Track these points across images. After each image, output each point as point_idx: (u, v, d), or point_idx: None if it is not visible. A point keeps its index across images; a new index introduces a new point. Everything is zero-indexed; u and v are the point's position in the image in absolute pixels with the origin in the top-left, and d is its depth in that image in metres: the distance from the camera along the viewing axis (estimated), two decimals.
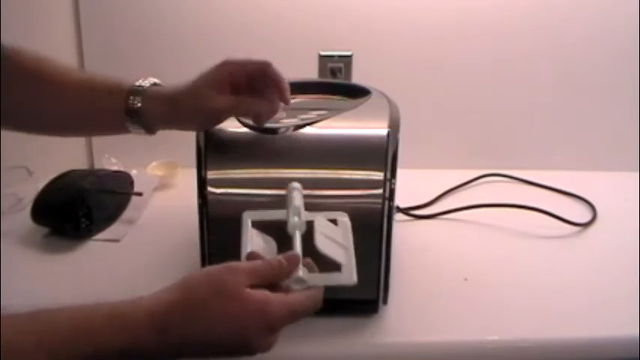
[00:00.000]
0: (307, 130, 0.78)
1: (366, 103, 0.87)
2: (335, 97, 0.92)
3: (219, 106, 0.71)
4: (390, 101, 0.87)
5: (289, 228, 0.65)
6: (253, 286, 0.57)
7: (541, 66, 1.23)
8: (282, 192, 0.70)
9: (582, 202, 1.16)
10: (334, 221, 0.69)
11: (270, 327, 0.57)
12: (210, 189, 0.76)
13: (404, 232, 1.02)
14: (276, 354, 0.59)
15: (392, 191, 0.78)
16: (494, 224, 1.06)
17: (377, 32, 1.20)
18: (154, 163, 1.21)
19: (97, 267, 0.93)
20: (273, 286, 0.58)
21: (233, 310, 0.55)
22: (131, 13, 1.17)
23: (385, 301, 0.83)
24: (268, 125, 0.76)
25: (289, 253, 0.61)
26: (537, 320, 0.83)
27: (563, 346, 0.81)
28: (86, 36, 1.19)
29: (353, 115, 0.83)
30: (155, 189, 1.15)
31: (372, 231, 0.77)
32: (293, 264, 0.60)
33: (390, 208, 0.78)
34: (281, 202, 0.69)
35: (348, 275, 0.63)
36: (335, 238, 0.67)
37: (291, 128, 0.77)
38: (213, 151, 0.76)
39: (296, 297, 0.59)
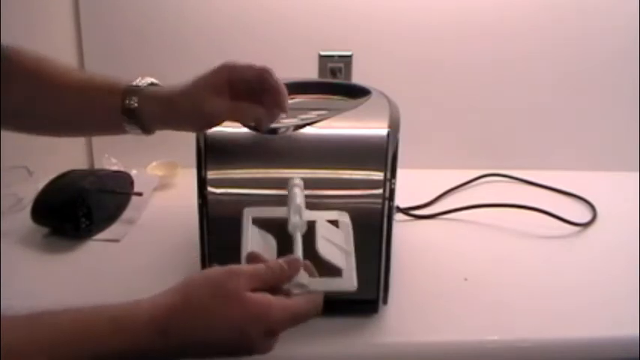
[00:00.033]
0: (307, 130, 0.78)
1: (366, 103, 0.87)
2: (335, 97, 0.92)
3: (215, 109, 0.71)
4: (390, 101, 0.87)
5: (290, 227, 0.66)
6: (254, 290, 0.57)
7: (541, 66, 1.23)
8: (282, 192, 0.70)
9: (582, 202, 1.16)
10: (335, 222, 0.69)
11: (270, 330, 0.57)
12: (210, 189, 0.76)
13: (404, 232, 1.02)
14: (277, 354, 0.59)
15: (392, 191, 0.78)
16: (494, 224, 1.06)
17: (377, 32, 1.20)
18: (154, 163, 1.21)
19: (97, 267, 0.93)
20: (274, 289, 0.59)
21: (234, 313, 0.56)
22: (131, 13, 1.17)
23: (385, 301, 0.83)
24: None
25: (290, 257, 0.61)
26: (537, 320, 0.83)
27: (563, 346, 0.81)
28: (86, 36, 1.19)
29: (353, 115, 0.83)
30: (155, 189, 1.15)
31: (372, 231, 0.77)
32: (294, 268, 0.60)
33: (390, 208, 0.78)
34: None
35: (349, 281, 0.64)
36: (336, 241, 0.67)
37: (291, 128, 0.77)
38: (213, 151, 0.76)
39: (297, 301, 0.59)
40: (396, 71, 1.21)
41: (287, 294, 0.59)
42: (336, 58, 1.21)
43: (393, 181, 0.78)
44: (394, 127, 0.80)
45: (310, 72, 1.21)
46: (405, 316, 0.83)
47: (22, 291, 0.85)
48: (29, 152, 1.05)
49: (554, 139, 1.29)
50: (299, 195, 0.69)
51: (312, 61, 1.21)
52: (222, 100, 0.71)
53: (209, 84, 0.71)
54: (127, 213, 1.07)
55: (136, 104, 0.72)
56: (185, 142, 0.79)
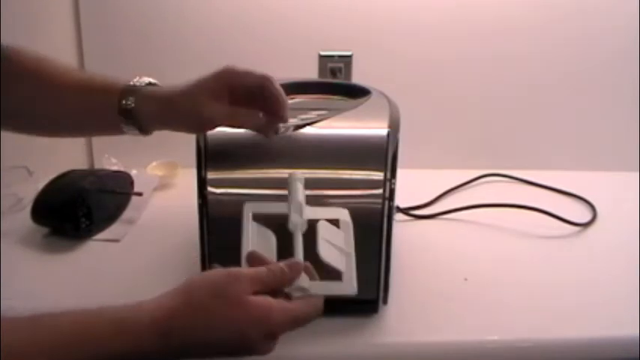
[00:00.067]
0: (307, 130, 0.78)
1: (366, 103, 0.87)
2: (335, 97, 0.92)
3: (214, 113, 0.71)
4: (390, 101, 0.87)
5: (290, 226, 0.66)
6: (255, 293, 0.57)
7: (541, 66, 1.23)
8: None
9: (582, 202, 1.16)
10: (336, 221, 0.69)
11: (271, 333, 0.58)
12: (210, 189, 0.76)
13: (404, 232, 1.02)
14: (277, 354, 0.59)
15: (392, 191, 0.78)
16: (494, 224, 1.06)
17: (377, 32, 1.20)
18: (154, 163, 1.21)
19: (97, 267, 0.93)
20: (275, 292, 0.59)
21: (235, 316, 0.56)
22: (131, 12, 1.17)
23: (385, 301, 0.83)
24: None
25: (291, 260, 0.62)
26: (537, 320, 0.83)
27: (563, 346, 0.81)
28: (86, 36, 1.19)
29: (353, 115, 0.83)
30: (155, 189, 1.15)
31: (372, 231, 0.77)
32: (295, 272, 0.61)
33: (390, 208, 0.78)
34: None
35: (349, 285, 0.64)
36: (337, 242, 0.67)
37: (291, 128, 0.77)
38: (213, 151, 0.76)
39: (297, 305, 0.60)
40: (396, 71, 1.21)
41: (288, 297, 0.60)
42: (336, 58, 1.21)
43: (393, 181, 0.78)
44: (394, 127, 0.80)
45: (310, 72, 1.21)
46: (405, 316, 0.83)
47: (22, 291, 0.85)
48: (29, 152, 1.05)
49: (554, 139, 1.29)
50: (300, 191, 0.69)
51: (312, 61, 1.21)
52: (221, 104, 0.70)
53: (209, 87, 0.71)
54: (127, 213, 1.07)
55: (132, 104, 0.72)
56: (185, 142, 0.79)
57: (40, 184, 1.02)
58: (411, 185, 0.96)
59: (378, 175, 0.76)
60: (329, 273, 0.65)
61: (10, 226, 1.00)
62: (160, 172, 1.19)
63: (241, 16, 1.17)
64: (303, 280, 0.61)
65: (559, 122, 1.28)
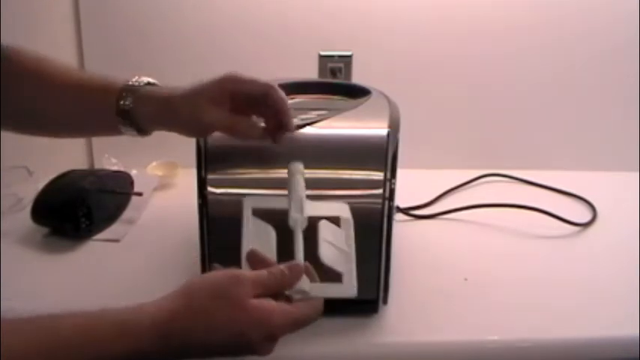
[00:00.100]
0: (307, 130, 0.78)
1: (366, 103, 0.87)
2: (335, 97, 0.92)
3: (213, 120, 0.70)
4: (390, 101, 0.87)
5: (291, 222, 0.66)
6: (256, 296, 0.57)
7: (541, 66, 1.23)
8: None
9: (582, 202, 1.16)
10: (336, 218, 0.69)
11: (271, 335, 0.58)
12: (210, 189, 0.76)
13: (404, 232, 1.02)
14: (277, 354, 0.59)
15: (392, 191, 0.78)
16: (494, 224, 1.06)
17: (377, 32, 1.20)
18: (154, 163, 1.21)
19: (97, 267, 0.93)
20: (276, 294, 0.59)
21: (237, 319, 0.56)
22: (131, 12, 1.17)
23: (385, 301, 0.83)
24: None
25: (292, 263, 0.62)
26: (537, 320, 0.83)
27: (563, 346, 0.81)
28: (86, 36, 1.19)
29: (353, 115, 0.83)
30: (155, 189, 1.15)
31: (372, 231, 0.77)
32: (295, 274, 0.61)
33: (390, 208, 0.78)
34: (282, 215, 0.69)
35: (349, 287, 0.65)
36: (337, 243, 0.67)
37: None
38: (213, 151, 0.76)
39: (298, 307, 0.60)
40: (396, 71, 1.21)
41: (288, 299, 0.60)
42: (336, 58, 1.21)
43: (393, 181, 0.78)
44: (394, 127, 0.80)
45: (310, 72, 1.21)
46: (405, 316, 0.83)
47: (22, 291, 0.85)
48: (29, 152, 1.05)
49: (554, 139, 1.29)
50: (300, 184, 0.68)
51: (312, 61, 1.21)
52: (222, 111, 0.70)
53: (210, 93, 0.70)
54: (127, 213, 1.07)
55: (130, 105, 0.71)
56: (185, 142, 0.79)
57: (40, 184, 1.02)
58: (411, 185, 0.96)
59: (378, 175, 0.76)
60: (329, 273, 0.65)
61: (10, 226, 1.00)
62: (160, 172, 1.19)
63: (241, 16, 1.17)
64: (304, 283, 0.61)
65: (559, 122, 1.28)
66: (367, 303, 0.81)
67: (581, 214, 1.11)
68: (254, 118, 0.74)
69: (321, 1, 1.17)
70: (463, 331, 0.81)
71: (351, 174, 0.76)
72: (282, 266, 0.61)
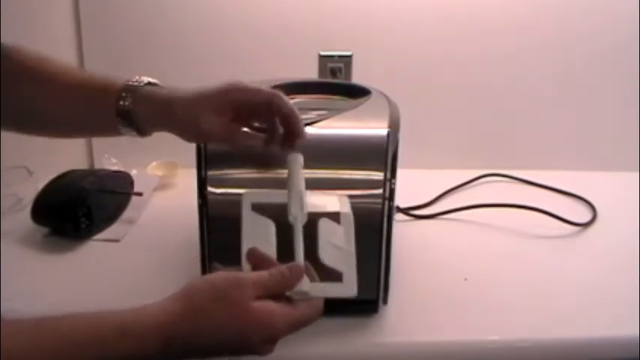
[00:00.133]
0: (307, 130, 0.77)
1: (366, 103, 0.87)
2: (335, 97, 0.92)
3: (212, 128, 0.69)
4: (390, 101, 0.87)
5: (290, 218, 0.66)
6: (257, 298, 0.57)
7: (541, 66, 1.23)
8: (281, 187, 0.70)
9: (582, 202, 1.16)
10: (337, 214, 0.69)
11: (273, 338, 0.58)
12: (210, 189, 0.76)
13: (404, 232, 1.02)
14: (277, 354, 0.60)
15: (392, 191, 0.78)
16: (494, 224, 1.06)
17: (377, 32, 1.20)
18: (154, 163, 1.21)
19: (97, 267, 0.93)
20: (276, 295, 0.59)
21: (238, 322, 0.56)
22: (131, 12, 1.17)
23: (385, 301, 0.83)
24: None
25: (292, 264, 0.62)
26: (537, 320, 0.83)
27: (563, 346, 0.81)
28: (86, 36, 1.19)
29: (353, 115, 0.83)
30: (155, 189, 1.15)
31: (372, 231, 0.77)
32: (296, 275, 0.61)
33: (390, 208, 0.78)
34: (281, 210, 0.69)
35: (349, 287, 0.64)
36: (337, 242, 0.67)
37: None
38: (213, 151, 0.76)
39: (299, 308, 0.60)
40: (396, 71, 1.21)
41: (288, 300, 0.60)
42: (336, 58, 1.21)
43: (393, 181, 0.78)
44: (394, 127, 0.80)
45: (310, 72, 1.21)
46: (405, 316, 0.83)
47: (22, 291, 0.85)
48: (29, 152, 1.05)
49: (554, 139, 1.29)
50: (300, 177, 0.68)
51: (312, 61, 1.21)
52: (222, 120, 0.69)
53: (213, 101, 0.69)
54: (127, 213, 1.07)
55: (129, 105, 0.71)
56: (185, 142, 0.79)
57: (40, 184, 1.02)
58: (411, 185, 0.96)
59: (378, 175, 0.76)
60: (329, 273, 0.65)
61: (10, 226, 1.00)
62: (160, 172, 1.19)
63: (241, 16, 1.17)
64: (304, 283, 0.61)
65: (559, 122, 1.28)
66: (367, 303, 0.81)
67: (581, 214, 1.11)
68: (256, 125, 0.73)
69: (321, 1, 1.17)
70: (463, 331, 0.81)
71: (351, 174, 0.76)
72: (283, 267, 0.61)
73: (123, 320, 0.55)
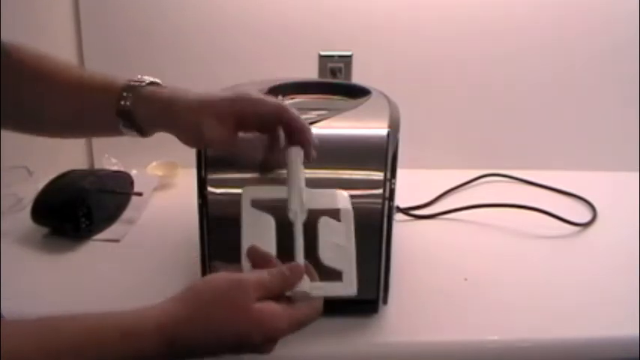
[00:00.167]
0: None
1: (366, 103, 0.87)
2: (335, 97, 0.92)
3: (213, 136, 0.68)
4: (390, 101, 0.87)
5: (291, 215, 0.65)
6: (258, 299, 0.57)
7: (541, 66, 1.23)
8: (281, 182, 0.70)
9: (582, 202, 1.16)
10: (337, 211, 0.69)
11: (273, 338, 0.59)
12: (210, 189, 0.76)
13: (404, 232, 1.02)
14: (277, 354, 0.60)
15: (392, 191, 0.78)
16: (494, 224, 1.06)
17: (377, 32, 1.20)
18: (154, 163, 1.21)
19: (97, 267, 0.93)
20: (277, 296, 0.59)
21: (240, 324, 0.57)
22: (131, 12, 1.17)
23: (385, 301, 0.83)
24: None
25: (292, 264, 0.62)
26: (537, 320, 0.83)
27: (563, 346, 0.81)
28: (86, 36, 1.19)
29: (353, 115, 0.83)
30: (155, 189, 1.15)
31: (372, 231, 0.77)
32: (296, 275, 0.61)
33: (390, 208, 0.78)
34: (281, 206, 0.69)
35: (349, 286, 0.64)
36: (338, 240, 0.67)
37: None
38: (214, 151, 0.76)
39: (299, 309, 0.60)
40: (396, 71, 1.21)
41: (289, 299, 0.60)
42: (336, 58, 1.21)
43: (393, 181, 0.78)
44: (394, 127, 0.80)
45: (310, 72, 1.21)
46: (405, 316, 0.83)
47: (22, 291, 0.85)
48: (29, 152, 1.05)
49: (554, 139, 1.29)
50: (300, 173, 0.68)
51: (312, 61, 1.21)
52: (225, 129, 0.68)
53: (217, 109, 0.68)
54: (127, 213, 1.07)
55: (130, 104, 0.70)
56: None
57: (40, 184, 1.02)
58: (411, 185, 0.96)
59: (378, 175, 0.76)
60: (329, 272, 0.65)
61: (10, 226, 1.01)
62: (160, 172, 1.19)
63: (242, 15, 1.18)
64: (305, 283, 0.61)
65: (559, 122, 1.28)
66: (367, 303, 0.81)
67: (581, 214, 1.11)
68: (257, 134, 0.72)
69: (321, 1, 1.17)
70: (463, 331, 0.81)
71: (351, 174, 0.76)
72: (283, 267, 0.61)
73: (124, 322, 0.55)
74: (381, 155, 0.76)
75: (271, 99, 0.70)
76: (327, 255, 0.65)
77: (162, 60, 1.19)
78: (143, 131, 0.73)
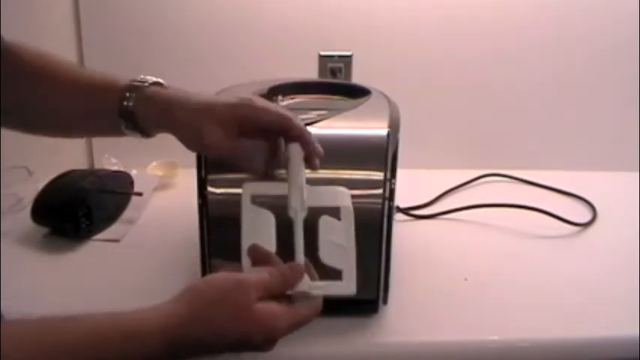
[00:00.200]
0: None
1: (366, 103, 0.87)
2: (335, 97, 0.92)
3: (214, 142, 0.67)
4: (390, 101, 0.87)
5: (291, 212, 0.65)
6: (259, 299, 0.58)
7: (541, 66, 1.23)
8: (281, 178, 0.70)
9: (582, 202, 1.16)
10: (337, 209, 0.69)
11: (274, 338, 0.59)
12: (210, 189, 0.76)
13: (404, 232, 1.02)
14: (277, 354, 0.60)
15: (392, 191, 0.78)
16: (494, 224, 1.06)
17: (377, 32, 1.20)
18: (154, 163, 1.21)
19: (97, 267, 0.93)
20: (277, 295, 0.60)
21: (241, 325, 0.57)
22: (131, 12, 1.17)
23: (385, 301, 0.83)
24: None
25: (293, 263, 0.62)
26: (537, 320, 0.83)
27: (563, 346, 0.81)
28: (86, 36, 1.19)
29: (353, 115, 0.83)
30: (155, 189, 1.15)
31: (372, 231, 0.77)
32: (296, 275, 0.61)
33: (390, 208, 0.78)
34: (281, 202, 0.69)
35: (349, 285, 0.65)
36: (338, 240, 0.67)
37: None
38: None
39: (299, 309, 0.60)
40: (396, 71, 1.21)
41: (289, 299, 0.60)
42: (336, 58, 1.21)
43: (393, 181, 0.78)
44: (394, 127, 0.80)
45: (310, 72, 1.21)
46: (405, 316, 0.83)
47: (22, 291, 0.85)
48: (29, 152, 1.05)
49: (554, 139, 1.29)
50: (300, 169, 0.68)
51: (312, 61, 1.21)
52: (226, 135, 0.67)
53: (220, 114, 0.67)
54: (127, 213, 1.07)
55: (132, 104, 0.69)
56: None
57: (40, 184, 1.02)
58: (411, 185, 0.96)
59: (378, 175, 0.76)
60: (329, 271, 0.65)
61: (10, 226, 1.00)
62: (160, 172, 1.19)
63: (242, 15, 1.18)
64: (305, 283, 0.61)
65: (559, 122, 1.28)
66: (367, 303, 0.81)
67: (581, 214, 1.11)
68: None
69: (321, 1, 1.17)
70: (463, 331, 0.81)
71: (351, 174, 0.76)
72: (284, 267, 0.61)
73: (126, 323, 0.55)
74: (381, 155, 0.76)
75: (275, 107, 0.70)
76: (327, 254, 0.65)
77: (162, 60, 1.19)
78: (145, 132, 0.72)
